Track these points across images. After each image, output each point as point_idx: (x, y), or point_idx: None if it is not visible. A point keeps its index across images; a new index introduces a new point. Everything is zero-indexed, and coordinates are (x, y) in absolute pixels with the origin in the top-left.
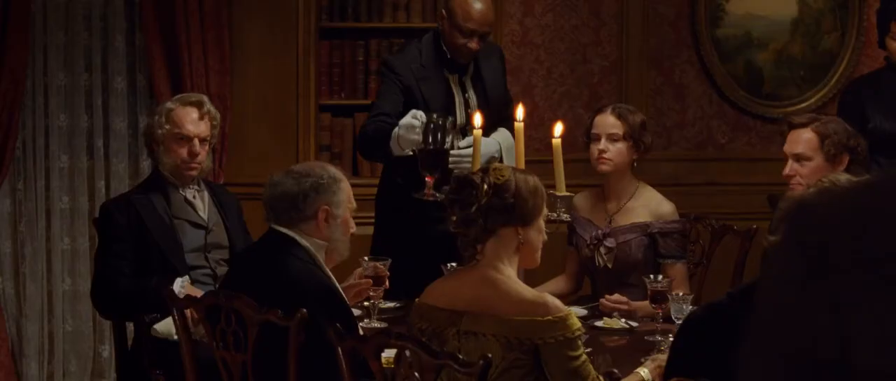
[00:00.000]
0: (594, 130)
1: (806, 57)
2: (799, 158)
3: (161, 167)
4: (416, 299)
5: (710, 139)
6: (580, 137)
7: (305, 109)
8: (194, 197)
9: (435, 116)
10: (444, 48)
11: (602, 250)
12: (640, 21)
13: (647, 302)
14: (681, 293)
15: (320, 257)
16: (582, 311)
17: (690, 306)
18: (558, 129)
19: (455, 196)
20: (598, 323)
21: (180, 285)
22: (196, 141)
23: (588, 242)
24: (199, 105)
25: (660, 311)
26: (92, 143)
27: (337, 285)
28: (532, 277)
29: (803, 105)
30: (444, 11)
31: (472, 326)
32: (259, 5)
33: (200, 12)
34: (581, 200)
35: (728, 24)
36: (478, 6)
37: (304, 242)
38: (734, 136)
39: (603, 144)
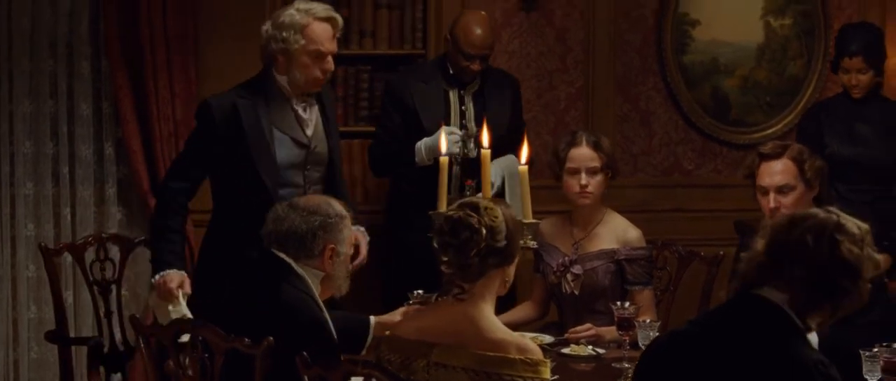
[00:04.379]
0: (571, 164)
1: (772, 83)
2: (782, 189)
3: (281, 77)
4: (387, 332)
5: (676, 166)
6: (546, 164)
7: None
8: (305, 110)
9: (471, 126)
10: (450, 68)
11: (569, 276)
12: (606, 48)
13: (613, 328)
14: (647, 320)
15: (315, 288)
16: (549, 338)
17: (657, 333)
18: (524, 155)
19: (451, 240)
20: (565, 350)
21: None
22: (330, 58)
23: (555, 268)
24: (334, 23)
25: (627, 338)
26: (57, 170)
27: (328, 317)
28: (499, 303)
29: (770, 131)
30: (448, 36)
31: (443, 358)
32: (225, 30)
33: (166, 37)
34: (547, 226)
35: (694, 51)
36: (478, 32)
37: (300, 270)
38: (701, 162)
39: (584, 178)
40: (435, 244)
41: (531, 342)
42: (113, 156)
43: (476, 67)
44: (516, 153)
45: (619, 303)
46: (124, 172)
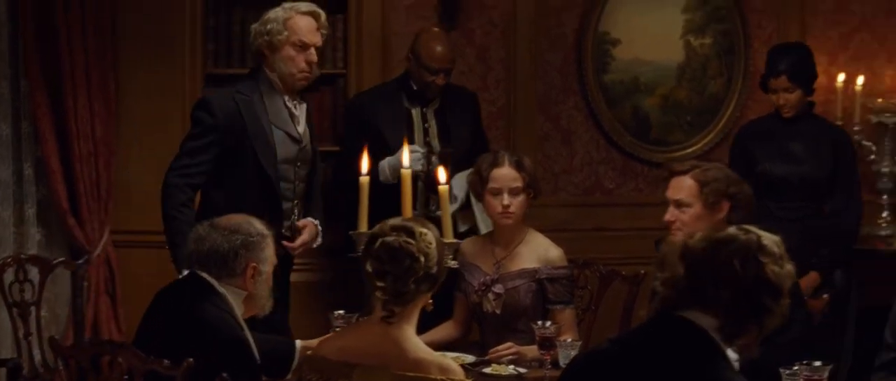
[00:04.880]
0: (494, 184)
1: (692, 102)
2: (679, 204)
3: (271, 74)
4: (309, 352)
5: (597, 185)
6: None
7: None
8: (296, 107)
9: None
10: (413, 85)
11: (490, 295)
12: (527, 66)
13: (535, 347)
14: (568, 339)
15: (238, 307)
16: (470, 358)
17: (577, 352)
18: (442, 175)
19: (391, 268)
20: (487, 370)
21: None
22: (313, 50)
23: (476, 288)
24: (316, 16)
25: (548, 357)
26: None
27: (249, 336)
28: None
29: (690, 150)
30: (410, 55)
31: (365, 379)
32: (145, 49)
33: (85, 55)
34: (469, 245)
35: (615, 70)
36: (439, 48)
37: (222, 289)
38: (622, 181)
39: (506, 199)
40: (368, 268)
41: (453, 363)
42: (32, 176)
43: (441, 81)
44: None
45: (540, 322)
46: (43, 193)
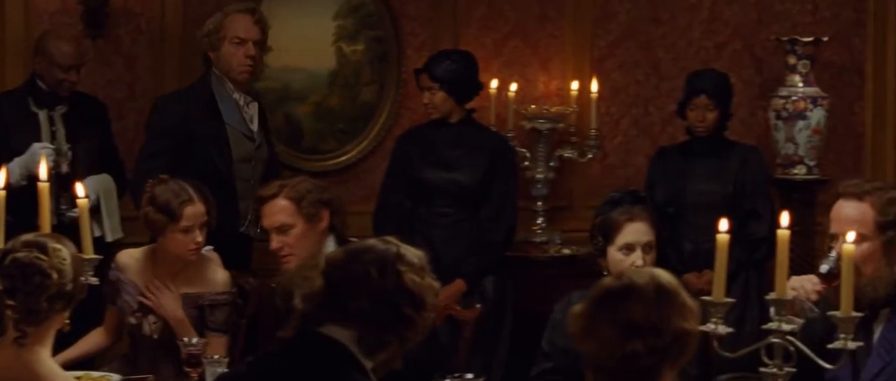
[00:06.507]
0: (186, 223)
1: (345, 110)
2: (281, 229)
3: (218, 73)
4: None
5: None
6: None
7: None
8: (248, 106)
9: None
10: (43, 86)
11: (151, 318)
12: (176, 76)
13: None
14: (216, 356)
15: None
16: (116, 377)
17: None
18: (80, 190)
19: (21, 285)
20: None
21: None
22: (251, 44)
23: (135, 308)
24: (251, 12)
25: (195, 374)
26: None
27: None
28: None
29: (344, 158)
30: (37, 55)
31: None
32: None
33: None
34: (129, 259)
35: (266, 77)
36: (67, 46)
37: None
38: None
39: (199, 236)
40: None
41: None
42: None
43: (74, 78)
44: (112, 173)
45: (186, 339)
46: None
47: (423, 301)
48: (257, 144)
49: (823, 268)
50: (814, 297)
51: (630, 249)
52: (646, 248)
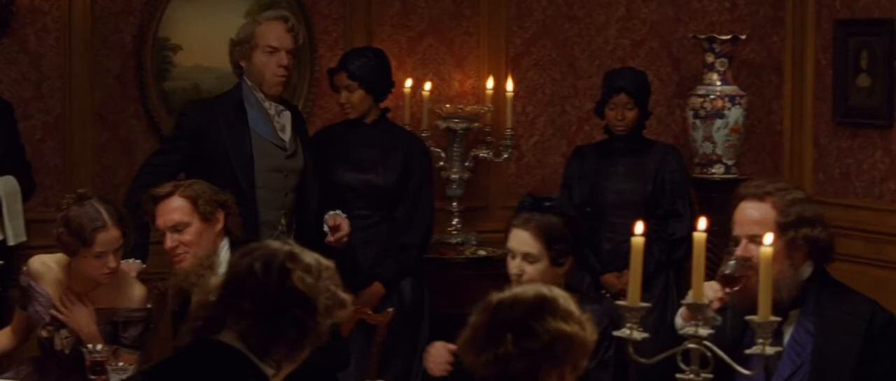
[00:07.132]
0: (99, 249)
1: None
2: (176, 228)
3: (251, 83)
4: None
5: None
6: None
7: None
8: (279, 115)
9: None
10: None
11: (63, 332)
12: (83, 74)
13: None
14: (121, 364)
15: None
16: None
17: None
18: None
19: None
20: None
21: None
22: (284, 53)
23: (47, 321)
24: (283, 20)
25: None
26: None
27: None
28: None
29: None
30: None
31: None
32: None
33: None
34: (42, 267)
35: (176, 77)
36: None
37: None
38: None
39: (112, 261)
40: None
41: None
42: None
43: None
44: (16, 174)
45: (90, 346)
46: None
47: (315, 304)
48: (289, 154)
49: (725, 271)
50: (716, 305)
51: (512, 255)
52: (525, 257)
